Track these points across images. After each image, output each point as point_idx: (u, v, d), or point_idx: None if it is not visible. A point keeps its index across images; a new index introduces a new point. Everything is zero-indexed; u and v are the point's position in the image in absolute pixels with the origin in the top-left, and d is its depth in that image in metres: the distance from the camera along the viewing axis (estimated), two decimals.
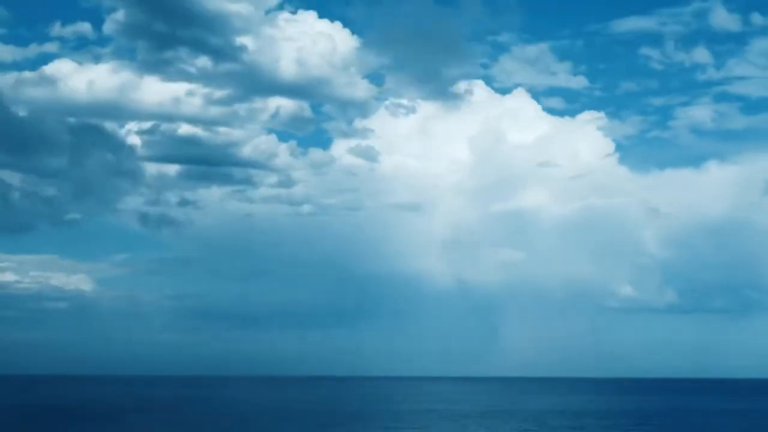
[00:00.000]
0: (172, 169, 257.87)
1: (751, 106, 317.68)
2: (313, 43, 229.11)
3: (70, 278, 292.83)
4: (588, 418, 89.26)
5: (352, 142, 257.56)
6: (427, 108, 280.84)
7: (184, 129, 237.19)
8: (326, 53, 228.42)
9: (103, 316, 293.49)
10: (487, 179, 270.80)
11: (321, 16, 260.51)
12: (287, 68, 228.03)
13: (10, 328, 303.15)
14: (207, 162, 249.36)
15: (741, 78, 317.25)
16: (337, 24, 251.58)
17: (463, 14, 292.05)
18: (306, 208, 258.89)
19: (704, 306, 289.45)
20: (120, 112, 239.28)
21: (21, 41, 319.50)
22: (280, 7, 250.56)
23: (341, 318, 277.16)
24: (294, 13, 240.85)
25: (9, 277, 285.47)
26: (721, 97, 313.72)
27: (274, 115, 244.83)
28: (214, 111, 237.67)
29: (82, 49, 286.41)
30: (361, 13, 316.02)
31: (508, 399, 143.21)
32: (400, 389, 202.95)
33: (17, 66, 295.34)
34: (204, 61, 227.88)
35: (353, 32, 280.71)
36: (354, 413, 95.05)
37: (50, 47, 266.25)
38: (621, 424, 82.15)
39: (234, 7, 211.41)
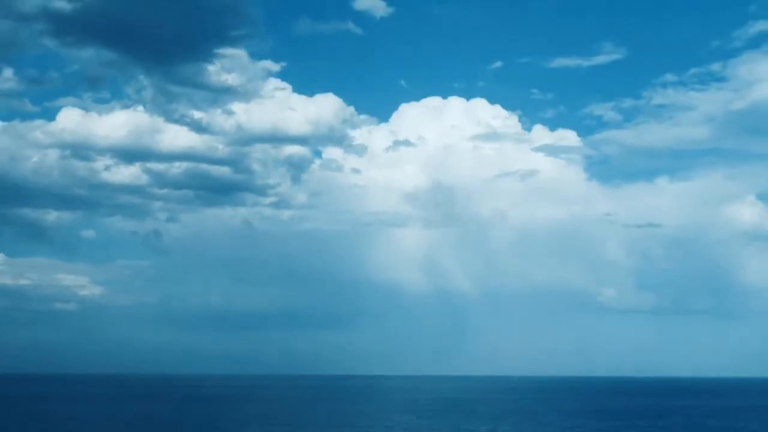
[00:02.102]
0: (180, 194, 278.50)
1: (695, 125, 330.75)
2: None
3: (78, 281, 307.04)
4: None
5: (344, 173, 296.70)
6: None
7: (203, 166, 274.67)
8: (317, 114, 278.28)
9: (107, 318, 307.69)
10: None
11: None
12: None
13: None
14: (217, 189, 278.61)
15: (683, 102, 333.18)
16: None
17: None
18: (302, 224, 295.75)
19: (682, 308, 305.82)
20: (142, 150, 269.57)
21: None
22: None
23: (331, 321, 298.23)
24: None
25: (18, 280, 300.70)
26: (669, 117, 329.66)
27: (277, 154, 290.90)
28: (227, 150, 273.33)
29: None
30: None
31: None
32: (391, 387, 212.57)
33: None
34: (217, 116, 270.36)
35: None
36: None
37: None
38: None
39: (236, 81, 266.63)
